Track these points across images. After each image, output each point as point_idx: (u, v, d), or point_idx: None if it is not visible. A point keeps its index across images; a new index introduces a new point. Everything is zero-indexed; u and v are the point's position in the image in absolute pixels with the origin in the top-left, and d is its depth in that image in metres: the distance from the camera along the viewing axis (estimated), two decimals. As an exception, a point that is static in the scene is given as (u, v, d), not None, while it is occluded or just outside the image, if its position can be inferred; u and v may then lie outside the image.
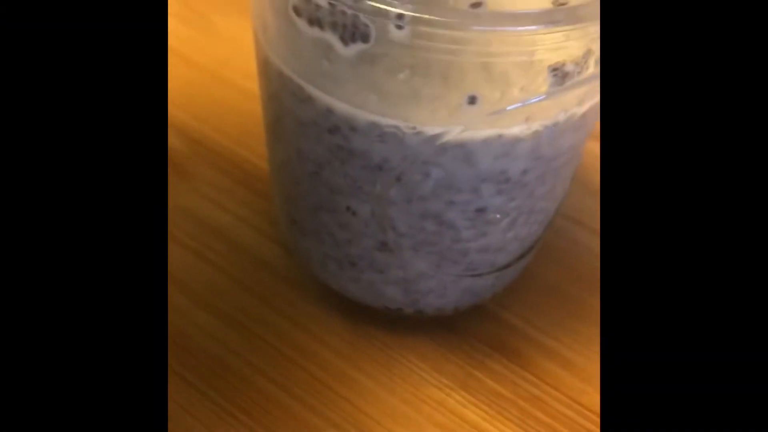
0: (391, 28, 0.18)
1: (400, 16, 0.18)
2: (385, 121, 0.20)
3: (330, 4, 0.19)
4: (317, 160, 0.23)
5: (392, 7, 0.18)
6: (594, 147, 0.34)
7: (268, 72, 0.23)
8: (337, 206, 0.24)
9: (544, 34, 0.18)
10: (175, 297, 0.28)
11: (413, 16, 0.18)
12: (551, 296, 0.29)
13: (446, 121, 0.20)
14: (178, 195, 0.31)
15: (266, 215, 0.30)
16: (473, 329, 0.28)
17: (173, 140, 0.33)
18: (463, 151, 0.21)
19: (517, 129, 0.21)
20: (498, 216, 0.23)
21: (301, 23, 0.20)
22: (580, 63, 0.20)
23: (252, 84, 0.26)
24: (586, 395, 0.26)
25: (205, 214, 0.30)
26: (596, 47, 0.20)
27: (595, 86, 0.21)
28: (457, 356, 0.27)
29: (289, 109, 0.22)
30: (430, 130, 0.20)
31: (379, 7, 0.18)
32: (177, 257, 0.29)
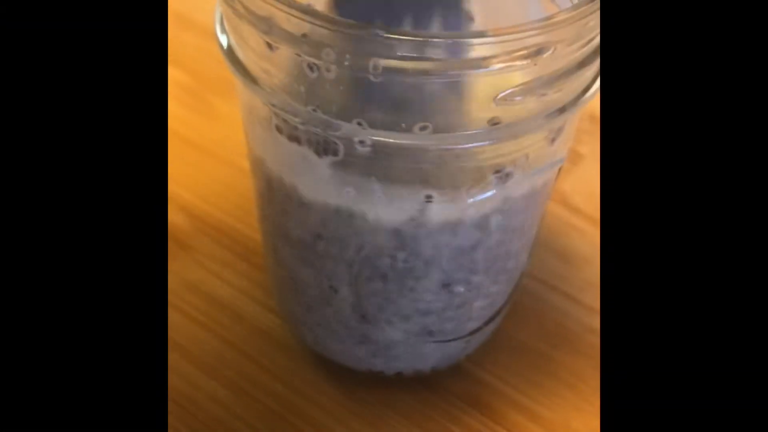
0: (356, 145, 0.22)
1: (361, 143, 0.21)
2: (358, 213, 0.24)
3: (303, 125, 0.22)
4: (301, 245, 0.26)
5: (354, 134, 0.21)
6: (560, 211, 0.37)
7: (256, 167, 0.26)
8: (320, 284, 0.27)
9: (482, 148, 0.21)
10: (180, 364, 0.31)
11: (373, 139, 0.21)
12: (520, 353, 0.32)
13: (408, 216, 0.23)
14: (183, 268, 0.34)
15: (264, 287, 0.33)
16: (450, 387, 0.31)
17: (177, 217, 0.36)
18: (424, 238, 0.24)
19: (470, 219, 0.24)
20: (462, 289, 0.27)
21: (282, 139, 0.23)
22: (519, 163, 0.23)
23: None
24: (552, 445, 0.29)
25: (207, 286, 0.34)
26: (532, 150, 0.23)
27: (537, 176, 0.24)
28: (437, 413, 0.30)
29: (275, 200, 0.26)
30: (395, 223, 0.24)
31: (343, 134, 0.21)
32: (182, 327, 0.32)
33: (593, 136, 0.39)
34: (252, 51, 0.22)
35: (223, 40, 0.23)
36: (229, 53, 0.23)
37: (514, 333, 0.32)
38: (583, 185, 0.37)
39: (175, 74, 0.41)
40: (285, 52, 0.21)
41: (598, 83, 0.23)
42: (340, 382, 0.31)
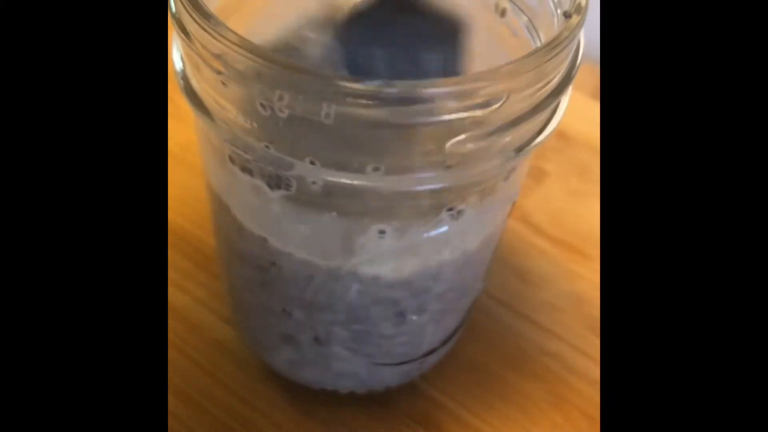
0: (309, 184, 0.21)
1: (314, 182, 0.21)
2: (309, 252, 0.23)
3: (256, 160, 0.22)
4: (255, 268, 0.26)
5: (307, 173, 0.21)
6: (520, 228, 0.37)
7: (210, 191, 0.26)
8: (274, 306, 0.27)
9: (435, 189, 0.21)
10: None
11: (325, 179, 0.21)
12: (475, 374, 0.32)
13: (360, 251, 0.23)
14: (142, 275, 0.34)
15: (222, 298, 0.33)
16: (402, 406, 0.31)
17: (139, 220, 0.36)
18: (375, 273, 0.24)
19: (423, 253, 0.24)
20: (416, 317, 0.27)
21: (235, 169, 0.23)
22: (472, 202, 0.23)
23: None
24: (500, 469, 0.30)
25: (166, 294, 0.33)
26: (486, 188, 0.23)
27: (491, 212, 0.24)
28: (387, 430, 0.30)
29: (227, 231, 0.26)
30: (345, 261, 0.24)
31: (296, 173, 0.21)
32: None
33: (559, 153, 0.39)
34: (207, 83, 0.21)
35: (179, 67, 0.23)
36: (185, 83, 0.23)
37: (469, 353, 0.32)
38: (545, 203, 0.37)
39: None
40: (238, 89, 0.20)
41: (556, 120, 0.23)
42: (294, 398, 0.31)
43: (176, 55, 0.23)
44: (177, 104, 0.41)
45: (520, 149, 0.22)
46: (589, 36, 0.23)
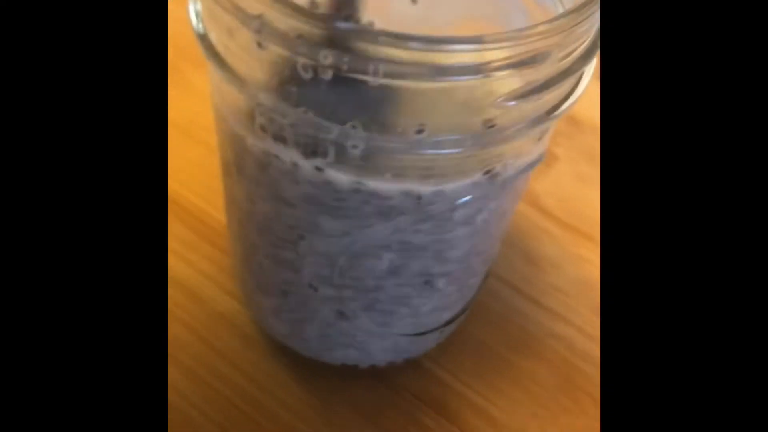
0: (349, 148, 0.21)
1: (354, 146, 0.20)
2: (341, 223, 0.23)
3: (292, 126, 0.21)
4: (280, 243, 0.25)
5: (348, 137, 0.20)
6: (530, 212, 0.37)
7: (228, 166, 0.26)
8: (299, 282, 0.26)
9: (475, 150, 0.21)
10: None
11: (367, 143, 0.20)
12: (481, 355, 0.32)
13: (396, 216, 0.23)
14: (146, 246, 0.33)
15: (227, 270, 0.33)
16: (407, 384, 0.30)
17: (143, 192, 0.35)
18: (411, 238, 0.23)
19: (458, 217, 0.23)
20: (443, 284, 0.26)
21: (266, 138, 0.22)
22: (508, 163, 0.23)
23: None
24: (506, 450, 0.29)
25: (169, 266, 0.33)
26: (521, 150, 0.23)
27: (522, 173, 0.24)
28: (392, 409, 0.30)
29: (246, 205, 0.25)
30: (383, 224, 0.23)
31: (336, 137, 0.20)
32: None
33: (569, 137, 0.39)
34: (238, 47, 0.21)
35: (200, 30, 0.22)
36: (209, 47, 0.22)
37: (476, 334, 0.32)
38: (555, 188, 0.37)
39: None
40: (276, 51, 0.20)
41: (584, 83, 0.23)
42: (298, 374, 0.30)
43: (195, 22, 0.23)
44: (183, 75, 0.40)
45: (555, 110, 0.22)
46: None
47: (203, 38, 0.22)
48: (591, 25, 0.20)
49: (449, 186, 0.22)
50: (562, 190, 0.37)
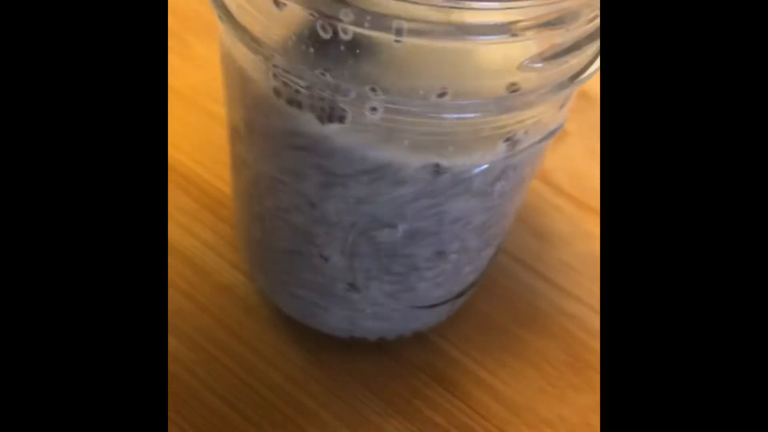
0: (366, 111, 0.20)
1: (373, 109, 0.20)
2: (355, 192, 0.22)
3: (308, 88, 0.20)
4: (292, 213, 0.24)
5: (367, 100, 0.19)
6: (540, 188, 0.36)
7: (236, 135, 0.25)
8: (309, 252, 0.25)
9: (498, 116, 0.20)
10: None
11: (386, 106, 0.19)
12: (488, 330, 0.31)
13: (412, 185, 0.22)
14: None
15: (230, 241, 0.32)
16: (413, 358, 0.30)
17: (145, 160, 0.34)
18: (428, 208, 0.23)
19: (476, 187, 0.23)
20: (456, 256, 0.26)
21: (281, 103, 0.21)
22: (529, 130, 0.22)
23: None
24: (512, 426, 0.29)
25: (171, 236, 0.32)
26: (543, 117, 0.22)
27: (541, 142, 0.23)
28: (398, 383, 0.29)
29: (255, 174, 0.24)
30: (399, 192, 0.22)
31: (355, 100, 0.19)
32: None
33: (581, 113, 0.38)
34: (253, 7, 0.20)
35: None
36: (221, 6, 0.21)
37: (485, 310, 0.32)
38: (566, 162, 0.36)
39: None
40: (294, 10, 0.19)
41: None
42: (303, 346, 0.30)
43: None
44: (186, 44, 0.39)
45: (578, 75, 0.21)
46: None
47: (219, 3, 0.21)
48: None
49: (468, 154, 0.22)
50: (573, 166, 0.36)
